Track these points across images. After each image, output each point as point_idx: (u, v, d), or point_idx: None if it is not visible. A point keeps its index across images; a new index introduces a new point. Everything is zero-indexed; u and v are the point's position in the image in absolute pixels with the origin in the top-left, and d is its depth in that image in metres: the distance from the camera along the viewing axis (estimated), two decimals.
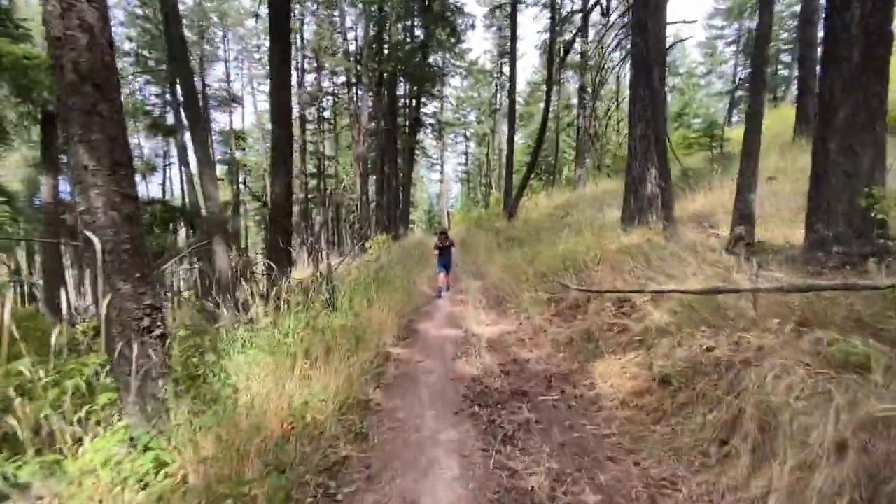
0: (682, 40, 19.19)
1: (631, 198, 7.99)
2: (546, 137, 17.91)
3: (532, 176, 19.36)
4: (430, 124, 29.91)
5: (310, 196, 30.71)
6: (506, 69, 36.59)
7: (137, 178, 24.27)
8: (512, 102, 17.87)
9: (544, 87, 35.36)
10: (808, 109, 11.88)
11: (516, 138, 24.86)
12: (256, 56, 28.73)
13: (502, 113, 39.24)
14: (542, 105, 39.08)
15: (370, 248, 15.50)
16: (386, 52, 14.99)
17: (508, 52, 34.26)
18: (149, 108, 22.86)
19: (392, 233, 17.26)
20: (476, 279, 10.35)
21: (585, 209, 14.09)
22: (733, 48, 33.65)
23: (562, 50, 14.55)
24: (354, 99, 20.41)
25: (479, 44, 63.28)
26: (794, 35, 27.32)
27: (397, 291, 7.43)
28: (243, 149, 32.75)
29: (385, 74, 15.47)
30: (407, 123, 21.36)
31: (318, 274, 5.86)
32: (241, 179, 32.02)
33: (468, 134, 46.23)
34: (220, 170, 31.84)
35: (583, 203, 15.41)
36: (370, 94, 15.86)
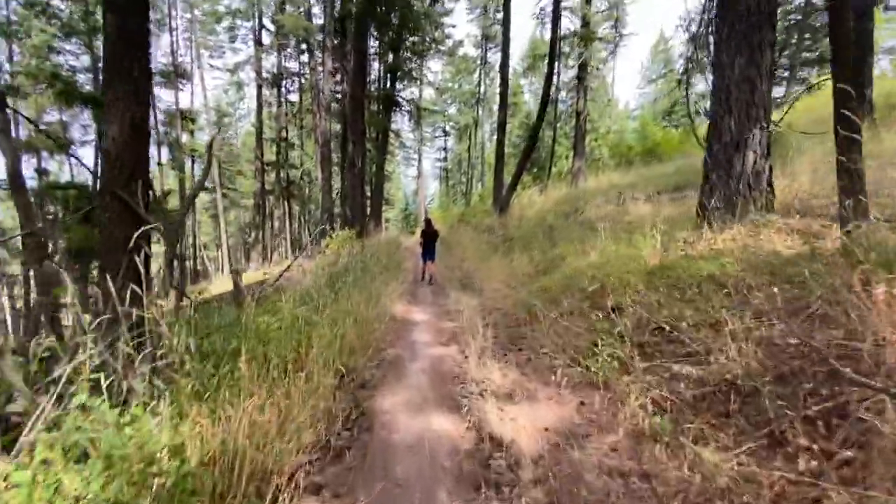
0: None
1: (721, 175, 5.07)
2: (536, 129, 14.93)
3: (526, 167, 16.47)
4: (408, 111, 26.61)
5: (267, 188, 26.77)
6: (490, 55, 33.80)
7: (44, 155, 19.40)
8: (504, 78, 14.92)
9: (530, 77, 32.77)
10: (864, 85, 9.49)
11: None
12: (207, 24, 24.66)
13: (486, 102, 36.39)
14: (526, 96, 36.33)
15: (327, 247, 12.14)
16: None
17: (493, 36, 31.44)
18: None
19: (358, 228, 13.89)
20: (469, 294, 7.19)
21: (598, 205, 11.57)
22: None
23: None
24: (318, 67, 16.88)
25: (463, 27, 60.14)
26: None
27: (341, 323, 4.25)
28: (191, 132, 28.36)
29: (349, 22, 12.05)
30: (379, 104, 18.07)
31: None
32: (190, 167, 27.75)
33: (447, 128, 43.06)
34: (165, 154, 27.48)
35: (590, 198, 13.04)
36: (332, 53, 12.44)
